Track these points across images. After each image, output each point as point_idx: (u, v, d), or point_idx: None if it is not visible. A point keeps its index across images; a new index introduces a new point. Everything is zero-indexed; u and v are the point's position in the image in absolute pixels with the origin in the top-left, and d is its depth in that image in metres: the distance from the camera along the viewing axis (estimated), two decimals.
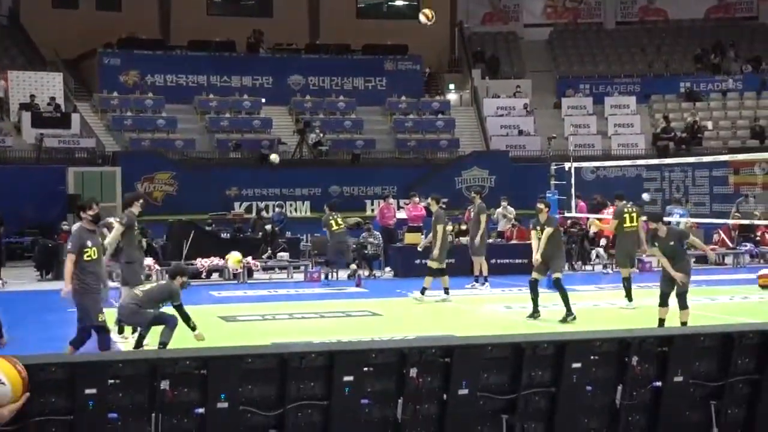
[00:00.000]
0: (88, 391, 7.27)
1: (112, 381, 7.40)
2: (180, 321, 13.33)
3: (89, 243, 12.21)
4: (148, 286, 14.20)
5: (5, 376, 6.49)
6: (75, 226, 12.40)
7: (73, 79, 41.21)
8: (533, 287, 17.54)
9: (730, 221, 28.86)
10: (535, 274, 17.64)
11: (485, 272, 22.88)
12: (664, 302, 15.33)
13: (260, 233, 28.08)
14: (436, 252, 20.72)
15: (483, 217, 22.92)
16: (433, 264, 20.74)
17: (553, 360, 8.40)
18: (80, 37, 41.61)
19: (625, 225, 19.74)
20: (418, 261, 25.75)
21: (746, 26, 48.56)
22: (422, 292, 20.61)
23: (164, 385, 7.48)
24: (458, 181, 37.86)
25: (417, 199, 28.45)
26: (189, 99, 41.17)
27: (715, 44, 46.46)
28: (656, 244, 15.17)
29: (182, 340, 13.23)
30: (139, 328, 14.10)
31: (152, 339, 13.83)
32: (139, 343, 13.85)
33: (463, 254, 24.19)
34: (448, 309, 19.97)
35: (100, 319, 12.27)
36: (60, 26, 41.95)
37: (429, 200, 22.48)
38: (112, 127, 38.63)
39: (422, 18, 24.46)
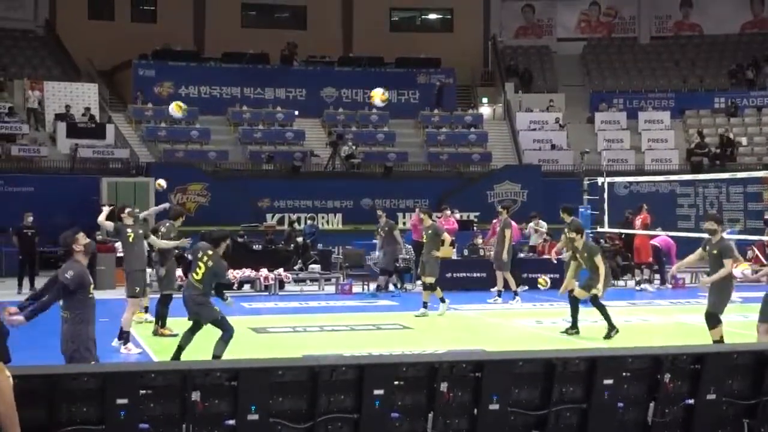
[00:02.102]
0: (119, 401, 7.31)
1: (143, 391, 7.44)
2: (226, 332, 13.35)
3: None
4: None
5: None
6: None
7: (108, 90, 41.53)
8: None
9: (765, 238, 28.61)
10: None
11: (513, 286, 22.79)
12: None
13: (292, 245, 28.17)
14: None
15: (507, 232, 22.80)
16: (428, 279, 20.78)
17: (584, 376, 8.38)
18: (115, 49, 41.91)
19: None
20: (449, 274, 25.77)
21: None
22: (442, 301, 20.65)
23: (195, 396, 7.51)
24: (490, 194, 37.77)
25: (449, 212, 28.44)
26: (222, 110, 41.35)
27: (750, 59, 46.19)
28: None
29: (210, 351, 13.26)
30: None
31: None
32: (176, 356, 13.77)
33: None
34: (479, 323, 19.92)
35: None
36: (95, 37, 42.30)
37: (419, 213, 22.46)
38: (146, 137, 38.84)
39: None
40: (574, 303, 17.44)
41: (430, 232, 21.04)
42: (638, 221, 25.56)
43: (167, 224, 17.68)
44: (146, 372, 7.61)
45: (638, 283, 26.20)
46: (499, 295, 22.86)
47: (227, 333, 13.28)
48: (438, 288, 20.75)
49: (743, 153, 41.39)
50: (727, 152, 40.72)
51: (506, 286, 22.88)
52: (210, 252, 13.47)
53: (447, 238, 21.16)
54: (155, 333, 16.96)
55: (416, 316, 20.30)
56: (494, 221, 28.10)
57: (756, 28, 48.83)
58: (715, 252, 14.53)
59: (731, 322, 18.47)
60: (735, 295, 21.63)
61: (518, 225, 26.33)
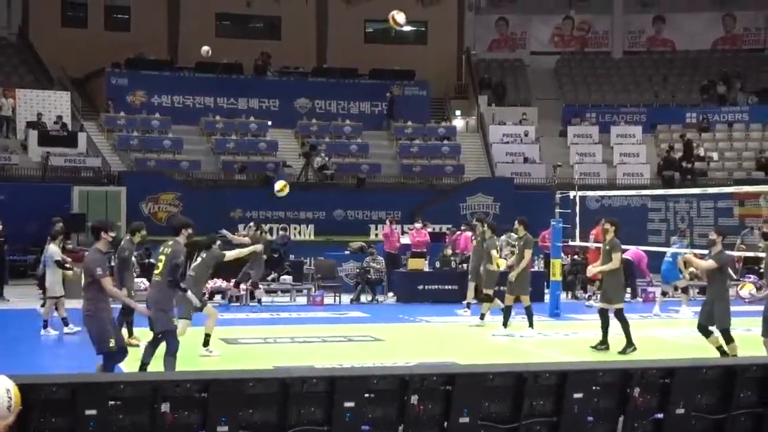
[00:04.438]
0: (88, 412, 7.27)
1: (113, 402, 7.40)
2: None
3: (107, 265, 11.95)
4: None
5: (13, 389, 6.41)
6: (93, 249, 11.84)
7: (80, 98, 41.35)
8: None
9: (735, 253, 28.77)
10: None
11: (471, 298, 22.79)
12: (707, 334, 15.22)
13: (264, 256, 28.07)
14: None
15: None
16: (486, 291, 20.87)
17: (554, 389, 8.40)
18: (88, 57, 41.77)
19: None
20: (421, 287, 25.83)
21: (753, 58, 48.62)
22: (481, 318, 20.78)
23: (165, 407, 7.48)
24: (463, 207, 37.82)
25: (419, 225, 28.47)
26: (195, 120, 41.23)
27: (721, 75, 46.54)
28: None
29: (183, 362, 13.20)
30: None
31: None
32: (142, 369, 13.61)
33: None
34: (451, 335, 19.92)
35: (110, 345, 11.75)
36: (68, 45, 42.16)
37: (477, 223, 22.61)
38: (118, 146, 38.68)
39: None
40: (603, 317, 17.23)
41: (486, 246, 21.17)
42: (591, 236, 25.24)
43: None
44: (116, 383, 7.57)
45: (588, 297, 26.16)
46: (468, 307, 22.81)
47: (171, 347, 12.75)
48: (496, 299, 20.75)
49: (714, 168, 41.65)
50: (689, 155, 40.91)
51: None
52: (170, 242, 13.13)
53: (495, 254, 21.04)
54: None
55: (471, 326, 20.57)
56: (453, 229, 28.09)
57: (728, 44, 49.24)
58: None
59: (701, 336, 18.57)
60: (689, 311, 22.21)
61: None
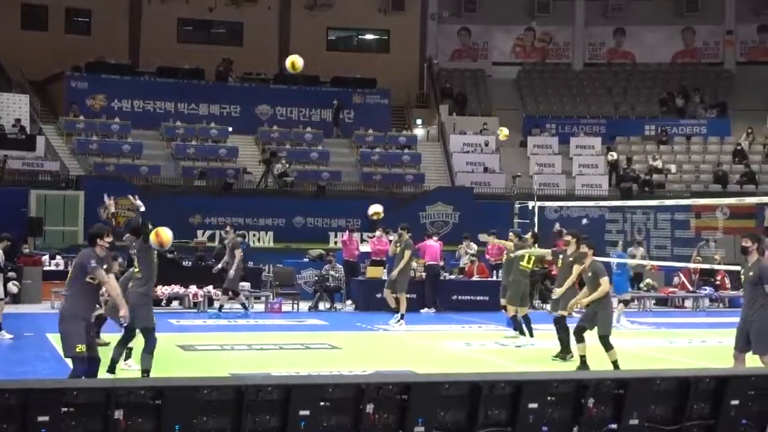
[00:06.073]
0: (40, 419, 7.20)
1: (65, 409, 7.33)
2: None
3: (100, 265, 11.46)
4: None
5: None
6: (87, 251, 11.44)
7: (39, 102, 41.04)
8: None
9: (691, 265, 29.05)
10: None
11: (403, 309, 22.48)
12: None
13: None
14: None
15: (407, 253, 22.61)
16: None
17: (509, 400, 8.42)
18: (48, 60, 41.41)
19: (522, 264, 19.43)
20: (379, 295, 25.81)
21: (712, 72, 49.12)
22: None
23: (118, 414, 7.42)
24: (422, 216, 37.85)
25: (379, 233, 28.43)
26: (155, 125, 41.04)
27: (680, 88, 46.97)
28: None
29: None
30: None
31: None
32: (111, 370, 13.60)
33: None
34: (409, 344, 19.93)
35: (77, 350, 11.20)
36: (28, 48, 41.78)
37: (401, 231, 22.58)
38: (76, 150, 38.40)
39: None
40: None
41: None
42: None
43: None
44: (68, 389, 7.50)
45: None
46: (402, 318, 22.32)
47: (150, 343, 13.00)
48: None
49: (672, 180, 41.97)
50: (648, 183, 41.21)
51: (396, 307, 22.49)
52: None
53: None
54: None
55: (506, 336, 20.14)
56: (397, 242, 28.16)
57: (687, 57, 49.68)
58: (752, 274, 12.64)
59: (656, 347, 18.79)
60: (624, 321, 22.33)
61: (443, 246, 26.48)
